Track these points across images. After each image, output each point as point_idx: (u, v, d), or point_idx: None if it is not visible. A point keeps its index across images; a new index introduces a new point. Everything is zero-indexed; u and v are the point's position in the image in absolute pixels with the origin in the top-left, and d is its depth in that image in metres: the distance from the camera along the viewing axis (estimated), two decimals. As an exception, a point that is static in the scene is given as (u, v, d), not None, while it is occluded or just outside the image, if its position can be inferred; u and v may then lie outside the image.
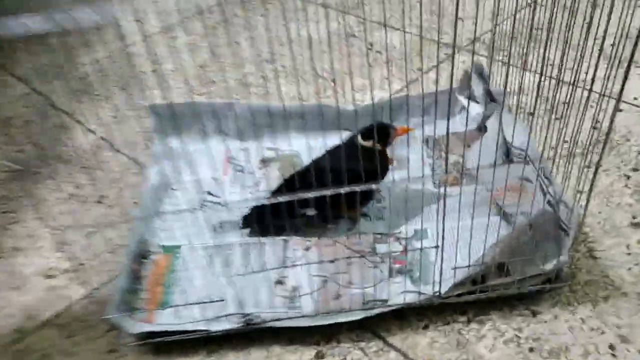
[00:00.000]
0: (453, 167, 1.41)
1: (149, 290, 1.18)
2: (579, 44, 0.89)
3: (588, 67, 0.90)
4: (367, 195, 1.22)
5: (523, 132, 1.28)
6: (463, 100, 1.40)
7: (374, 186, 1.10)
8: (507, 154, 1.31)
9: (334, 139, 1.50)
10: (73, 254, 1.28)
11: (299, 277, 1.17)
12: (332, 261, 1.20)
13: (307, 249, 1.24)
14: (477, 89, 1.40)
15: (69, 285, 1.25)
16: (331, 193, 1.02)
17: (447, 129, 0.89)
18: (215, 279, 1.17)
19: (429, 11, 1.53)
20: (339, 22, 2.25)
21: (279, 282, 1.18)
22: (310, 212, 1.21)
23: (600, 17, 0.85)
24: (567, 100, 0.99)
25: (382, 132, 1.18)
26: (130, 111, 1.73)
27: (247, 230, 1.29)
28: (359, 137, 1.21)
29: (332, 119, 1.48)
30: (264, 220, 1.20)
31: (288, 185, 1.21)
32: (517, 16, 1.12)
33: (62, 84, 1.91)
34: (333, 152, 1.22)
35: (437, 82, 0.87)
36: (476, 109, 1.36)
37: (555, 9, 0.98)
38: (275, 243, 1.26)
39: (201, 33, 2.20)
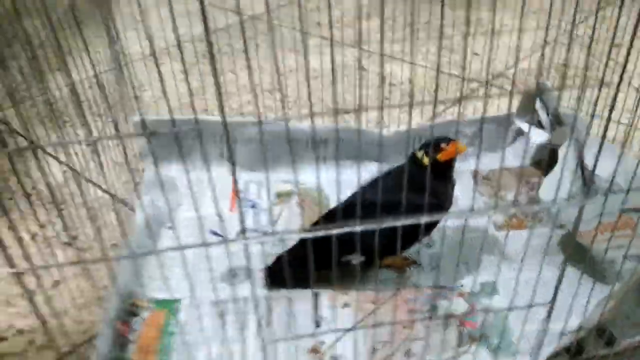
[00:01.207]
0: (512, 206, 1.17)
1: (139, 359, 0.88)
2: None
3: None
4: (413, 235, 0.96)
5: (611, 157, 1.06)
6: (523, 126, 1.18)
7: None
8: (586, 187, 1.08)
9: (368, 171, 1.26)
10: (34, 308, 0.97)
11: (340, 344, 0.89)
12: (381, 324, 0.92)
13: (345, 306, 0.97)
14: (542, 112, 1.18)
15: (25, 352, 0.94)
16: (388, 226, 0.75)
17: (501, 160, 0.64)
18: (228, 346, 0.88)
19: (439, 45, 1.47)
20: (344, 55, 2.05)
21: (315, 350, 0.89)
22: (356, 259, 0.94)
23: None
24: None
25: (431, 146, 0.95)
26: (112, 138, 1.45)
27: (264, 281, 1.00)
28: (418, 153, 0.96)
29: (364, 147, 1.24)
30: (296, 272, 0.93)
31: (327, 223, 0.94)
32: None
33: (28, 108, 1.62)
34: (386, 179, 0.96)
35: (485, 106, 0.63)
36: (541, 136, 1.14)
37: None
38: (304, 297, 0.98)
39: (191, 61, 1.96)
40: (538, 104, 1.18)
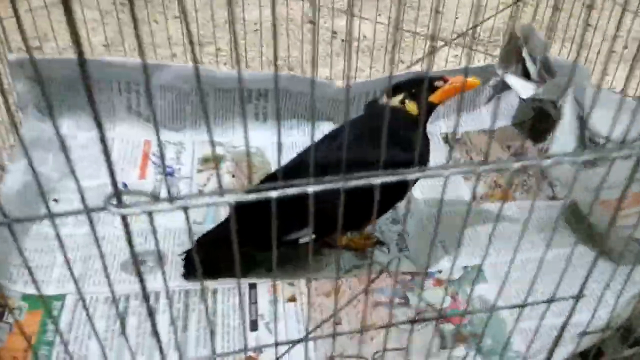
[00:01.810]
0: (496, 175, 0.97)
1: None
2: None
3: None
4: (387, 202, 0.73)
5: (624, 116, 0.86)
6: (507, 78, 0.97)
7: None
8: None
9: (320, 132, 1.03)
10: None
11: (286, 351, 0.66)
12: (337, 323, 0.70)
13: (292, 300, 0.73)
14: (529, 61, 0.97)
15: None
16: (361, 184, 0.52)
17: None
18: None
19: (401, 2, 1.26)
20: (290, 8, 1.79)
21: (249, 362, 0.66)
22: (306, 237, 0.71)
23: None
24: None
25: (419, 86, 0.70)
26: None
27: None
28: (384, 97, 0.72)
29: (310, 103, 1.00)
30: (222, 257, 0.69)
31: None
32: None
33: None
34: (342, 133, 0.73)
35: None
36: (529, 89, 0.93)
37: None
38: (235, 290, 0.74)
39: (106, 8, 1.65)
40: (524, 52, 0.98)
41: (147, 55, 0.98)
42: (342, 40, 1.62)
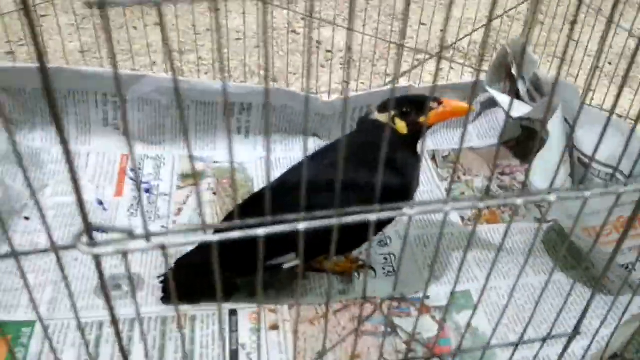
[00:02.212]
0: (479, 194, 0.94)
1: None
2: None
3: None
4: (380, 227, 0.72)
5: (613, 135, 0.85)
6: (497, 96, 0.95)
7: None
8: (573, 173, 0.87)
9: (298, 147, 1.00)
10: None
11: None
12: (321, 354, 0.67)
13: (274, 327, 0.70)
14: (520, 79, 0.96)
15: None
16: (350, 222, 0.50)
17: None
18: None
19: (385, 13, 1.33)
20: (274, 17, 1.77)
21: (229, 396, 0.62)
22: (290, 262, 0.68)
23: None
24: None
25: (411, 105, 0.68)
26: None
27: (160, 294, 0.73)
28: (376, 113, 0.70)
29: (297, 116, 0.98)
30: (205, 281, 0.67)
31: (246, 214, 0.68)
32: None
33: None
34: (332, 151, 0.71)
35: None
36: (520, 108, 0.91)
37: None
38: (214, 317, 0.71)
39: (83, 13, 1.61)
40: (514, 69, 0.96)
41: (125, 64, 0.94)
42: (327, 51, 1.60)
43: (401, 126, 0.67)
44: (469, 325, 0.47)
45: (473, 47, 1.51)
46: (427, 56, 1.45)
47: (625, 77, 0.38)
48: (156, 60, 1.31)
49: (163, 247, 0.34)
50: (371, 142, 0.68)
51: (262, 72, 1.31)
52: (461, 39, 1.55)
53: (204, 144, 0.97)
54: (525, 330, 0.50)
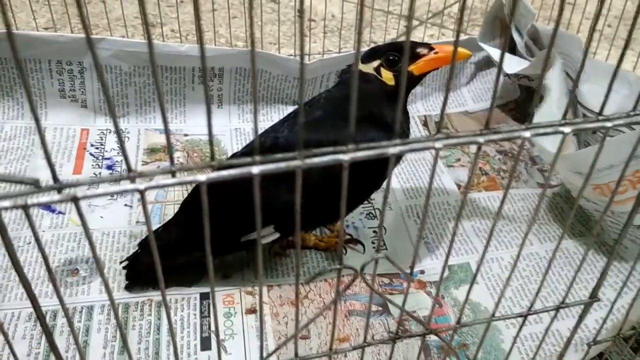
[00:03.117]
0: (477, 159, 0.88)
1: None
2: None
3: None
4: (365, 190, 0.64)
5: (622, 89, 0.78)
6: (491, 52, 0.88)
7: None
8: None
9: (277, 116, 0.93)
10: None
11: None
12: (304, 338, 0.60)
13: (252, 311, 0.64)
14: (516, 33, 0.89)
15: None
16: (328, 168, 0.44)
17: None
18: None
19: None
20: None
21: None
22: (270, 236, 0.61)
23: None
24: None
25: (399, 52, 0.60)
26: None
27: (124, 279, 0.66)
28: (366, 66, 0.62)
29: (275, 82, 0.91)
30: (174, 263, 0.60)
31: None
32: None
33: None
34: (313, 109, 0.63)
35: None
36: (517, 64, 0.84)
37: None
38: (183, 302, 0.64)
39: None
40: (511, 22, 0.89)
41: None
42: (311, 20, 1.53)
43: (388, 77, 0.60)
44: (467, 298, 0.41)
45: (466, 12, 1.44)
46: (416, 22, 1.38)
47: (628, 38, 0.31)
48: (134, 33, 1.24)
49: (76, 199, 0.27)
50: (362, 94, 0.61)
51: (239, 43, 1.24)
52: (452, 4, 1.47)
53: (172, 115, 0.89)
54: (533, 302, 0.44)
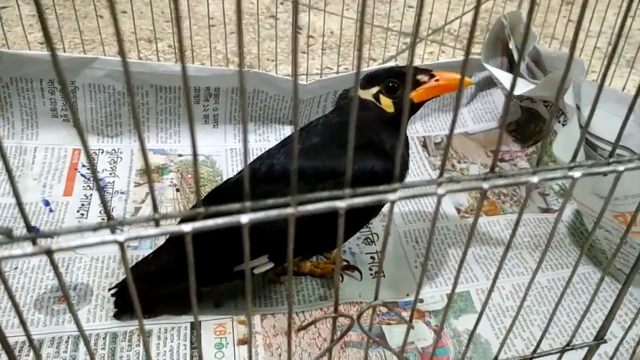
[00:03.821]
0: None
1: None
2: None
3: None
4: (361, 219, 0.62)
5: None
6: (496, 73, 0.87)
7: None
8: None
9: (273, 137, 0.91)
10: None
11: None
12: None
13: (244, 342, 0.62)
14: (517, 53, 0.87)
15: None
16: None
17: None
18: None
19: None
20: (250, 2, 1.68)
21: None
22: (264, 266, 0.59)
23: None
24: None
25: (398, 79, 0.59)
26: None
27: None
28: (365, 92, 0.61)
29: (271, 102, 0.89)
30: (164, 291, 0.58)
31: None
32: None
33: None
34: (309, 135, 0.62)
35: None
36: (523, 86, 0.83)
37: None
38: (172, 332, 0.62)
39: (45, 3, 1.51)
40: (511, 44, 0.88)
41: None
42: (309, 37, 1.52)
43: (387, 104, 0.59)
44: (472, 334, 0.39)
45: (464, 29, 1.43)
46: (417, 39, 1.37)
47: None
48: (131, 49, 1.22)
49: (49, 252, 0.25)
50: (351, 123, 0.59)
51: (235, 59, 1.22)
52: (451, 21, 1.46)
53: (166, 135, 0.87)
54: (539, 344, 0.42)
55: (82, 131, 0.26)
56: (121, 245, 0.26)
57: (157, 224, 0.27)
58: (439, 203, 0.29)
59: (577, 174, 0.30)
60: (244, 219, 0.26)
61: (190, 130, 0.26)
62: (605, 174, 0.31)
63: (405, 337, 0.36)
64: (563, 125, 0.82)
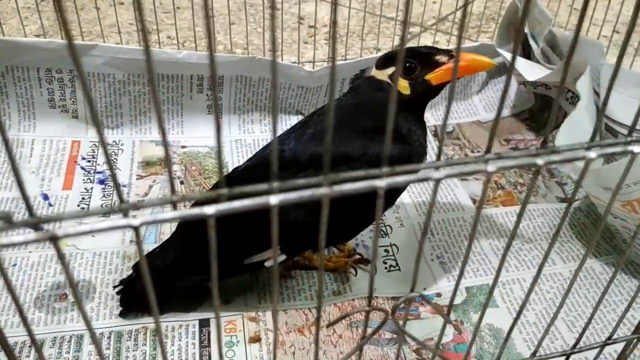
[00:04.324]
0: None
1: None
2: None
3: None
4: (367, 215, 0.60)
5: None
6: (509, 57, 0.84)
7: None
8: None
9: (280, 127, 0.88)
10: None
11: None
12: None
13: (256, 340, 0.59)
14: (532, 39, 0.84)
15: None
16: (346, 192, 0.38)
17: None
18: None
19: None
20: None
21: None
22: (273, 258, 0.56)
23: None
24: None
25: (418, 59, 0.56)
26: None
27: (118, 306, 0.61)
28: (372, 69, 0.58)
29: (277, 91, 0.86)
30: (172, 287, 0.56)
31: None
32: None
33: None
34: (315, 118, 0.59)
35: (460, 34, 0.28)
36: (538, 71, 0.80)
37: None
38: (180, 330, 0.59)
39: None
40: (526, 28, 0.85)
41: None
42: (310, 27, 1.48)
43: (403, 85, 0.56)
44: (479, 323, 0.36)
45: (475, 17, 1.40)
46: (422, 29, 1.34)
47: None
48: (129, 40, 1.19)
49: (54, 238, 0.22)
50: (366, 104, 0.56)
51: (237, 51, 1.19)
52: (457, 9, 1.43)
53: (168, 126, 0.85)
54: (578, 340, 0.39)
55: (99, 125, 0.23)
56: (136, 230, 0.23)
57: (174, 207, 0.24)
58: (488, 181, 0.26)
59: (592, 154, 0.28)
60: (273, 199, 0.23)
61: (214, 113, 0.23)
62: (621, 155, 0.28)
63: (441, 333, 0.33)
64: (553, 121, 0.80)
